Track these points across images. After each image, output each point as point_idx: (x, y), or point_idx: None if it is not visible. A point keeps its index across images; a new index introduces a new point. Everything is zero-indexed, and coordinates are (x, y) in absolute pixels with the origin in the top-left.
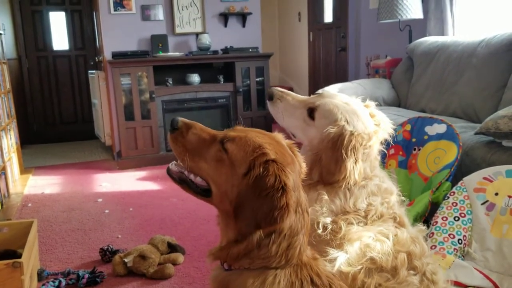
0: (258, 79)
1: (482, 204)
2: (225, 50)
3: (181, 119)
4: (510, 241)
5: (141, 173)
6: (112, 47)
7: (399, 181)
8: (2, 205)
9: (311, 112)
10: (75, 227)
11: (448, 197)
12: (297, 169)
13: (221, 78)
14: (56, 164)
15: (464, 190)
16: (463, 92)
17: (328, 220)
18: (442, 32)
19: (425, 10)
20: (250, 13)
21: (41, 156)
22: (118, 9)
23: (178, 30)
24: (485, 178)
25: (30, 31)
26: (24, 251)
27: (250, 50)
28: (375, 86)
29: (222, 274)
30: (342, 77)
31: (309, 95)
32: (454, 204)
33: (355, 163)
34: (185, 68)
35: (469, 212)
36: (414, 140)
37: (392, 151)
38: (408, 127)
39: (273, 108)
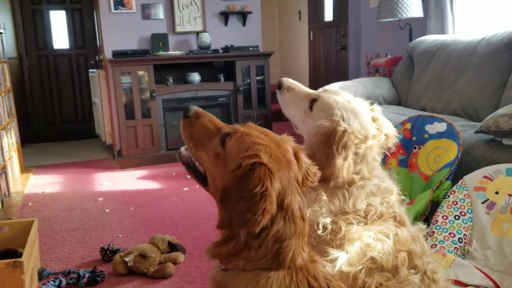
0: (258, 78)
1: (483, 202)
2: (226, 49)
3: (194, 108)
4: (511, 240)
5: (142, 172)
6: (112, 46)
7: (400, 180)
8: (2, 204)
9: (312, 103)
10: (75, 226)
11: (449, 196)
12: (293, 175)
13: (221, 77)
14: (57, 163)
15: (465, 188)
16: (464, 90)
17: (328, 220)
18: (442, 31)
19: (425, 9)
20: (250, 12)
21: (42, 155)
22: (119, 8)
23: (178, 29)
24: (485, 177)
25: (31, 30)
26: (25, 251)
27: (251, 49)
28: (376, 84)
29: (220, 274)
30: (342, 76)
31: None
32: (455, 203)
33: (345, 160)
34: (185, 67)
35: (469, 210)
36: (414, 138)
37: (392, 150)
38: (408, 125)
39: (280, 97)
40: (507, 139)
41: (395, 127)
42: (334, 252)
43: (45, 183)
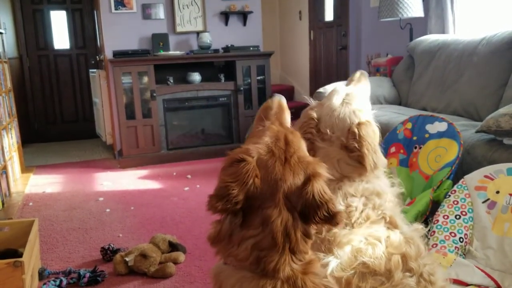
0: (259, 78)
1: (483, 202)
2: (226, 49)
3: (276, 100)
4: (511, 239)
5: (142, 172)
6: (113, 46)
7: (400, 179)
8: (3, 204)
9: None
10: (76, 226)
11: (449, 195)
12: (282, 192)
13: (222, 76)
14: (57, 163)
15: (465, 188)
16: (464, 90)
17: None
18: (443, 30)
19: (426, 8)
20: (251, 12)
21: (42, 155)
22: (119, 8)
23: (179, 28)
24: (486, 176)
25: (31, 30)
26: (25, 250)
27: (251, 48)
28: (376, 84)
29: (219, 268)
30: (343, 76)
31: (310, 93)
32: (455, 202)
33: None
34: (186, 66)
35: (470, 210)
36: (415, 138)
37: (393, 150)
38: (409, 125)
39: None
40: (508, 138)
41: (396, 126)
42: (324, 257)
43: (45, 183)
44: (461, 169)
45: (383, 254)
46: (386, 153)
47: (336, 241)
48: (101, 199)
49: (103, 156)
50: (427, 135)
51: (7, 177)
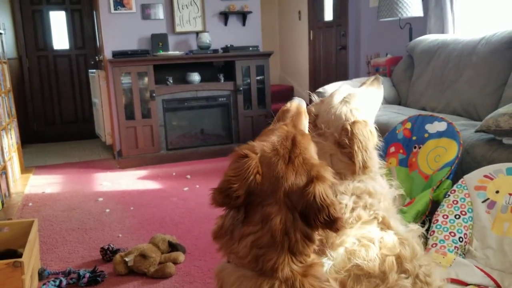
0: (258, 78)
1: (483, 202)
2: (225, 49)
3: (295, 103)
4: (511, 239)
5: (142, 172)
6: (112, 46)
7: (400, 179)
8: (2, 204)
9: None
10: (75, 226)
11: (449, 195)
12: (282, 190)
13: (221, 77)
14: (57, 164)
15: (465, 188)
16: (464, 90)
17: None
18: (442, 30)
19: (425, 8)
20: (250, 12)
21: (42, 155)
22: (118, 8)
23: (178, 29)
24: (485, 176)
25: (31, 30)
26: (25, 251)
27: (250, 48)
28: None
29: (222, 266)
30: (342, 76)
31: (310, 93)
32: (455, 202)
33: None
34: (185, 67)
35: (470, 210)
36: (414, 138)
37: (392, 149)
38: (408, 125)
39: None
40: (507, 138)
41: (395, 126)
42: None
43: (45, 184)
44: (460, 168)
45: (377, 256)
46: (385, 153)
47: (329, 242)
48: (100, 199)
49: (103, 157)
50: (426, 135)
51: (6, 178)
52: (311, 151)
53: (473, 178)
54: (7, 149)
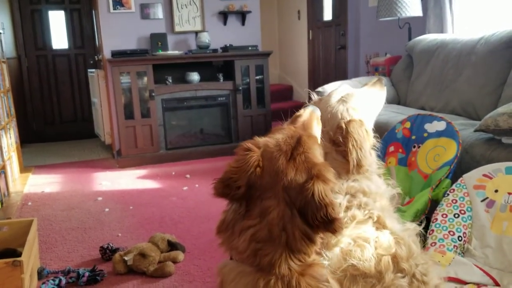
0: (257, 78)
1: (482, 201)
2: (225, 49)
3: (309, 110)
4: (510, 238)
5: (141, 172)
6: (111, 46)
7: (399, 178)
8: (2, 204)
9: None
10: (75, 226)
11: (448, 194)
12: (281, 186)
13: (220, 76)
14: (56, 163)
15: (464, 187)
16: (463, 89)
17: None
18: (441, 30)
19: (425, 8)
20: (249, 12)
21: (41, 155)
22: (117, 7)
23: (177, 28)
24: (484, 175)
25: (30, 30)
26: (24, 250)
27: (250, 48)
28: None
29: (224, 262)
30: (341, 75)
31: (309, 93)
32: (454, 201)
33: None
34: (184, 66)
35: (469, 209)
36: (413, 137)
37: (391, 149)
38: (407, 124)
39: None
40: (506, 137)
41: (395, 126)
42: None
43: (44, 183)
44: (459, 168)
45: (373, 256)
46: (384, 152)
47: (324, 242)
48: (100, 198)
49: (102, 156)
50: (425, 134)
51: (5, 177)
52: (316, 152)
53: (472, 177)
54: (6, 148)
